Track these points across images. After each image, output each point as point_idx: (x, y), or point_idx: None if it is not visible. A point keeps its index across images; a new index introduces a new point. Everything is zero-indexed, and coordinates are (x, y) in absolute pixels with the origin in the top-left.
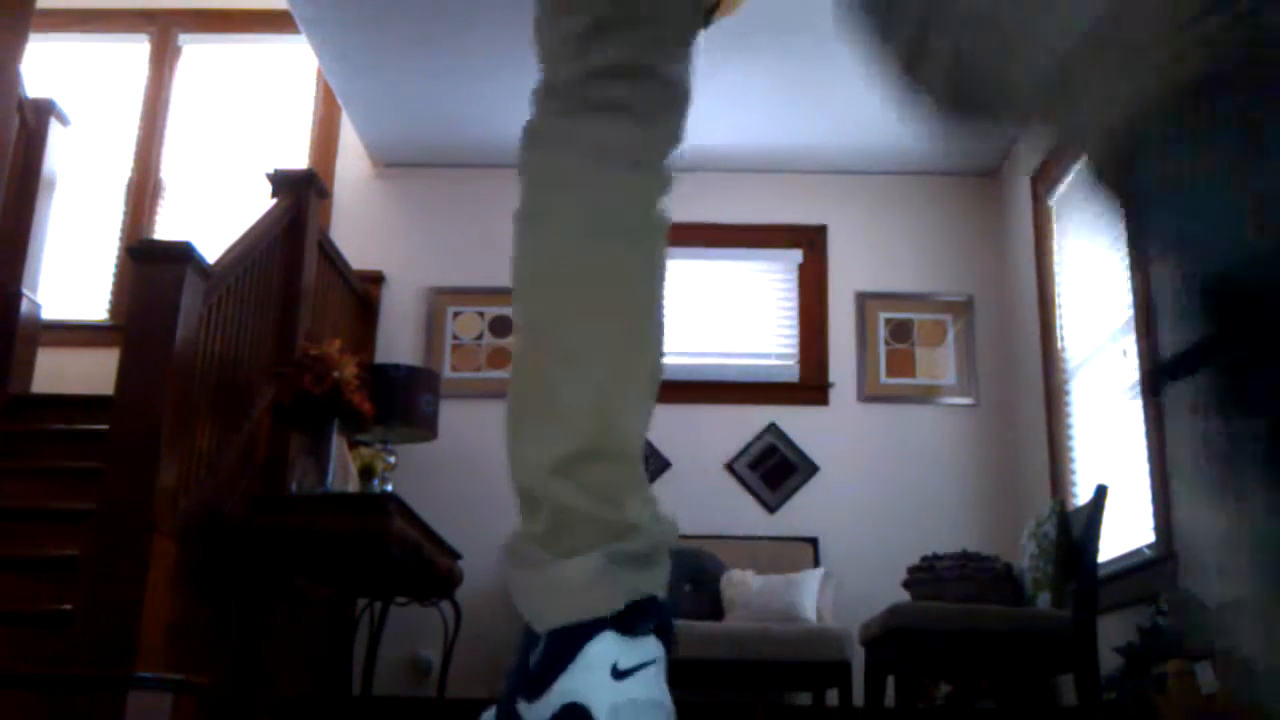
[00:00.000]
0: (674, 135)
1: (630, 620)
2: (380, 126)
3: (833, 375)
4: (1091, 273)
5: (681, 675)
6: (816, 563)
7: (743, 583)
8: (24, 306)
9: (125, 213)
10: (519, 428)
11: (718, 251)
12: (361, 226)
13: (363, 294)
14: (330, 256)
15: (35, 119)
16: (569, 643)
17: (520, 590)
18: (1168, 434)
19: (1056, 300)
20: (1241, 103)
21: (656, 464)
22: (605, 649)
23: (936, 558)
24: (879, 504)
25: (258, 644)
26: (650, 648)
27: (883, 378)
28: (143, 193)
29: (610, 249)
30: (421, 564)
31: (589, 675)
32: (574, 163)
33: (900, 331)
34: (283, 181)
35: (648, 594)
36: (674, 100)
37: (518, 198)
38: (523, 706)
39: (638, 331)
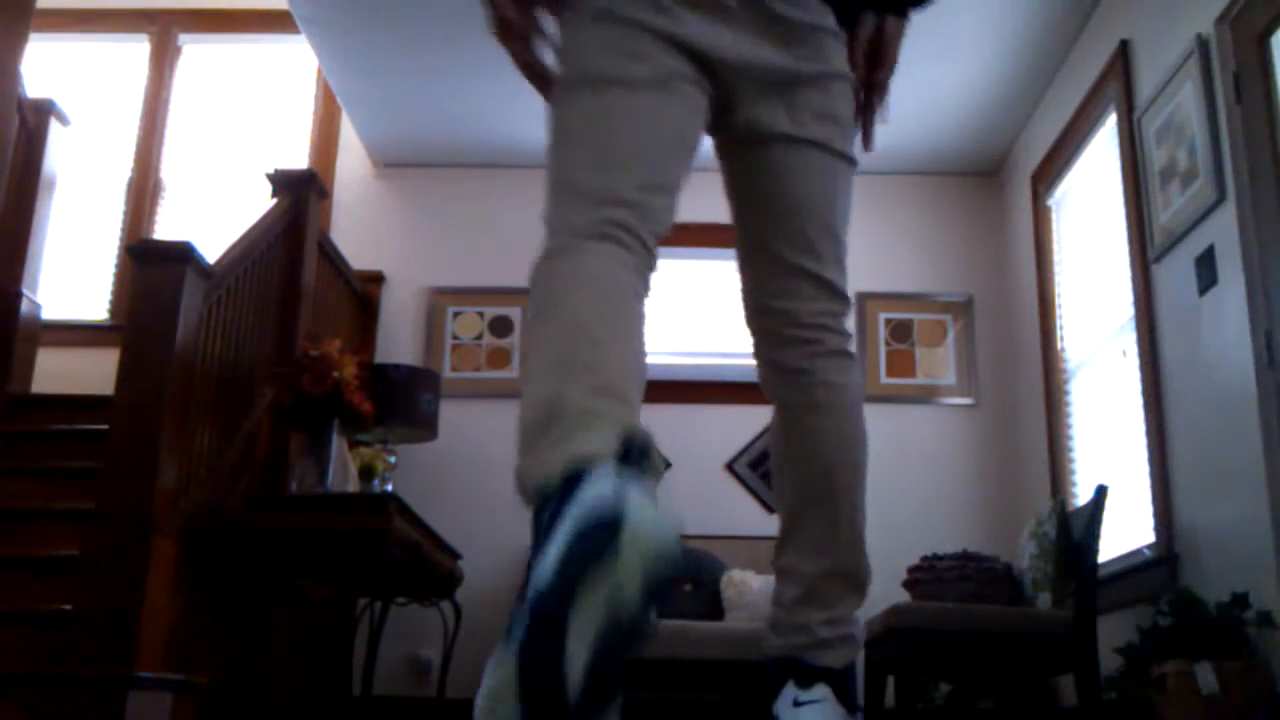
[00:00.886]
0: (653, 252)
1: (624, 452)
2: (380, 126)
3: None
4: (1091, 273)
5: (681, 675)
6: None
7: (743, 583)
8: (24, 306)
9: (125, 213)
10: (549, 371)
11: (718, 252)
12: (361, 226)
13: (363, 294)
14: (330, 256)
15: (35, 119)
16: (573, 483)
17: (537, 464)
18: (1168, 434)
19: (1056, 300)
20: None
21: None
22: (606, 474)
23: (936, 558)
24: (879, 504)
25: (258, 644)
26: (646, 477)
27: (883, 378)
28: (143, 193)
29: (620, 298)
30: (421, 564)
31: (598, 487)
32: (593, 262)
33: (900, 331)
34: (283, 181)
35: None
36: (653, 239)
37: (533, 294)
38: (534, 575)
39: (635, 346)
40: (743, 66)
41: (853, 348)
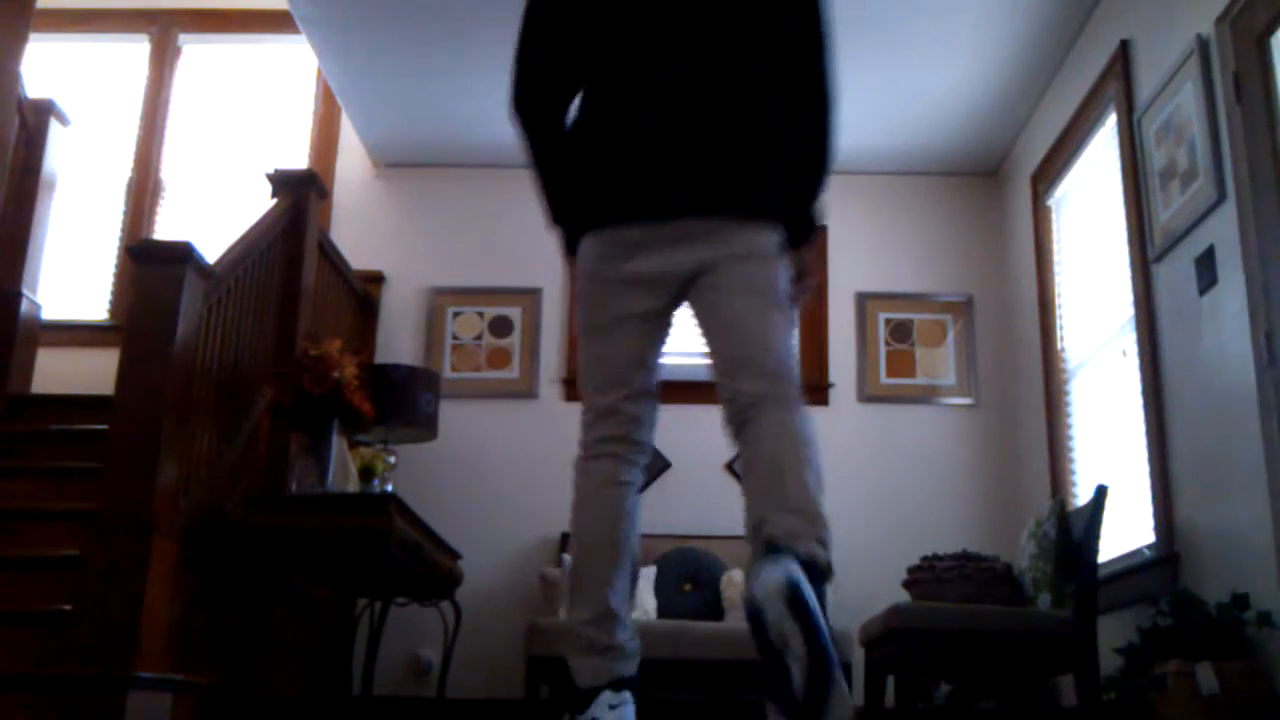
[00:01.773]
0: (642, 444)
1: (614, 681)
2: (380, 126)
3: (833, 375)
4: (1091, 273)
5: (682, 675)
6: None
7: (743, 583)
8: (24, 306)
9: (125, 213)
10: (572, 593)
11: None
12: (361, 226)
13: (363, 294)
14: (330, 256)
15: (35, 119)
16: (588, 699)
17: (574, 671)
18: (1168, 434)
19: (1056, 300)
20: None
21: (657, 464)
22: (604, 696)
23: (936, 558)
24: (879, 504)
25: (258, 644)
26: (627, 696)
27: (883, 378)
28: (143, 193)
29: (615, 514)
30: (421, 564)
31: (600, 710)
32: (595, 484)
33: (900, 331)
34: (283, 181)
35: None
36: (642, 450)
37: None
38: None
39: (626, 543)
40: (686, 270)
41: (799, 403)
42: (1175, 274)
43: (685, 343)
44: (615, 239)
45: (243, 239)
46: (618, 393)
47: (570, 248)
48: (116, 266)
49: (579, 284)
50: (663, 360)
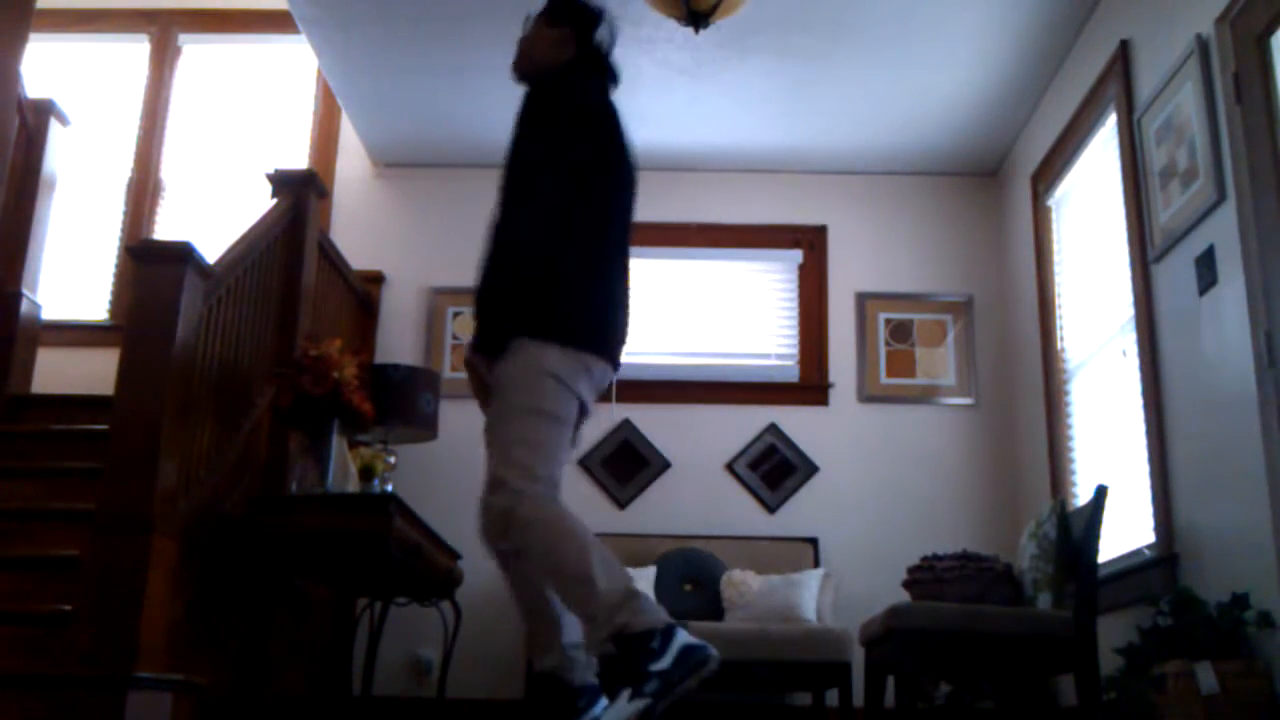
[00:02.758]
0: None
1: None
2: (380, 126)
3: (833, 375)
4: (1091, 273)
5: None
6: (816, 563)
7: (743, 583)
8: (24, 306)
9: (125, 213)
10: (604, 572)
11: (718, 252)
12: (361, 226)
13: (363, 294)
14: (330, 256)
15: (35, 119)
16: (672, 630)
17: (644, 617)
18: (1168, 434)
19: (1056, 300)
20: None
21: (657, 464)
22: (683, 632)
23: (936, 558)
24: (879, 504)
25: (258, 644)
26: (683, 632)
27: (883, 378)
28: (143, 193)
29: (578, 528)
30: (421, 564)
31: (687, 636)
32: (567, 509)
33: (900, 331)
34: (283, 181)
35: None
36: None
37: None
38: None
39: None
40: (587, 407)
41: None
42: (1175, 274)
43: (685, 343)
44: (581, 359)
45: (243, 239)
46: (560, 463)
47: (495, 346)
48: (116, 266)
49: (547, 379)
50: (659, 361)
